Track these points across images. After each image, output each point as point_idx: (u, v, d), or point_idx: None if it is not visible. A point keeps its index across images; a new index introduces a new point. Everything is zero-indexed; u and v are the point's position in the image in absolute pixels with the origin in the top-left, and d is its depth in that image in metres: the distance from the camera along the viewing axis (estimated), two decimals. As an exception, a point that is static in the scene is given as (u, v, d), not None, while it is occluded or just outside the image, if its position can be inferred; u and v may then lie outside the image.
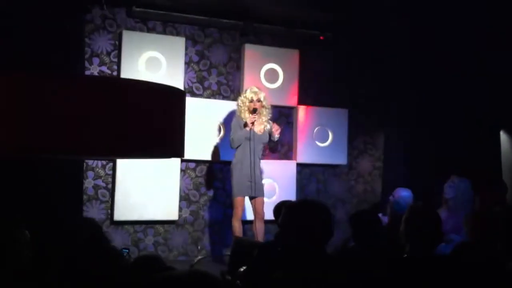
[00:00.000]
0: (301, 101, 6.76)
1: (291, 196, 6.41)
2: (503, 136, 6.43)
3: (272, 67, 6.60)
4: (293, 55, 6.71)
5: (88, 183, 5.90)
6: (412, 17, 6.23)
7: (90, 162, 5.88)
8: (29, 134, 2.66)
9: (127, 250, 4.45)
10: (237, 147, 5.55)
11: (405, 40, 6.58)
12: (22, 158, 4.29)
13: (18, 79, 2.74)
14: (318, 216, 2.46)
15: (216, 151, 6.29)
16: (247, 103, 5.60)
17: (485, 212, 3.91)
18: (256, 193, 5.51)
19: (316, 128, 6.81)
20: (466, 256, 2.78)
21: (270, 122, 5.71)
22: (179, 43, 6.21)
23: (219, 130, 6.33)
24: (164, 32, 6.26)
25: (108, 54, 6.02)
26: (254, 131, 5.53)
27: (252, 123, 5.50)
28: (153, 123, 2.80)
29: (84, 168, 5.84)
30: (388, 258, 2.96)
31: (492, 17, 5.58)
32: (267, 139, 5.69)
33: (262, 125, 5.64)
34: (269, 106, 5.73)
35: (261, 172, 5.73)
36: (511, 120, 6.26)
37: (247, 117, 5.56)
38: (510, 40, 5.56)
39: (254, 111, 5.55)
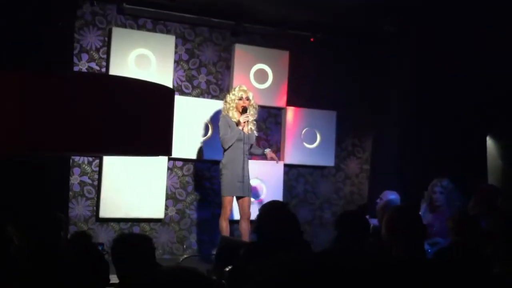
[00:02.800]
0: (290, 102, 6.77)
1: (279, 196, 6.41)
2: (489, 141, 6.49)
3: (262, 67, 6.60)
4: (283, 56, 6.72)
5: (74, 180, 5.86)
6: (403, 20, 6.26)
7: (76, 158, 5.85)
8: (20, 133, 2.65)
9: (102, 246, 4.40)
10: (228, 147, 5.54)
11: (396, 43, 6.62)
12: (9, 156, 4.25)
13: (10, 78, 2.72)
14: None
15: (203, 150, 6.27)
16: (236, 101, 5.60)
17: (467, 214, 3.95)
18: (245, 193, 5.51)
19: (305, 130, 6.83)
20: (450, 259, 2.78)
21: (255, 122, 5.72)
22: (169, 41, 6.19)
23: (207, 129, 6.32)
24: (154, 29, 6.24)
25: (97, 50, 5.98)
26: (243, 131, 5.54)
27: (245, 123, 5.51)
28: (141, 121, 2.79)
29: (71, 164, 5.80)
30: (374, 259, 2.97)
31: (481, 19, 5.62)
32: (254, 139, 5.71)
33: (249, 125, 5.64)
34: (257, 106, 5.75)
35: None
36: (497, 126, 6.32)
37: (236, 116, 5.57)
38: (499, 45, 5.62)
39: (244, 110, 5.55)
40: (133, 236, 3.23)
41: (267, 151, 5.86)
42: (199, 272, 1.88)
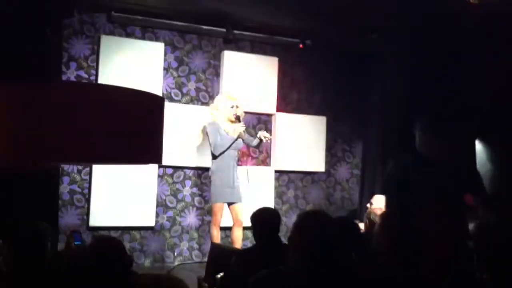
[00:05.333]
0: (279, 108, 6.79)
1: (269, 202, 6.42)
2: (478, 145, 6.53)
3: (251, 74, 6.61)
4: (272, 63, 6.73)
5: (64, 188, 5.83)
6: (392, 28, 6.31)
7: (66, 167, 5.82)
8: (6, 144, 2.63)
9: (79, 234, 4.35)
10: (219, 154, 5.54)
11: (384, 48, 6.67)
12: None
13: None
14: None
15: (193, 157, 6.26)
16: (228, 109, 5.60)
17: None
18: (235, 199, 5.52)
19: (295, 135, 6.84)
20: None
21: (244, 126, 5.71)
22: (158, 48, 6.19)
23: (197, 136, 6.31)
24: (143, 37, 6.24)
25: (86, 58, 5.97)
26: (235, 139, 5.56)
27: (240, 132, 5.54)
28: (131, 130, 2.78)
29: (60, 173, 5.77)
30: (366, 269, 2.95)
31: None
32: (241, 144, 5.71)
33: (238, 130, 5.64)
34: (243, 112, 5.76)
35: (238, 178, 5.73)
36: (486, 129, 6.36)
37: (226, 124, 5.57)
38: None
39: (238, 119, 5.58)
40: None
41: (259, 134, 5.77)
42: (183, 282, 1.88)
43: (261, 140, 5.75)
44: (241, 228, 5.55)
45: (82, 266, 2.64)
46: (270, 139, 5.92)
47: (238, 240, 5.52)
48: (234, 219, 5.55)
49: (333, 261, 2.82)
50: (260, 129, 6.68)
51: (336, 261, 2.90)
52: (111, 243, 2.75)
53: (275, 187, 6.74)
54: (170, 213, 6.29)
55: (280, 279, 2.33)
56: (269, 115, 6.81)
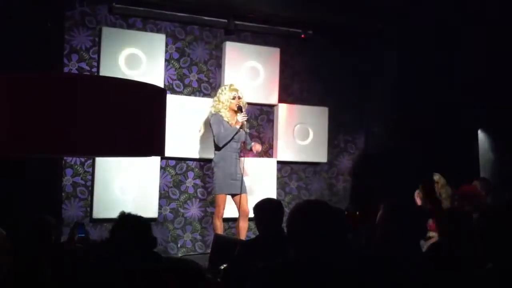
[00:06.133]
0: (281, 99, 6.77)
1: (272, 194, 6.42)
2: (480, 135, 6.52)
3: (253, 65, 6.58)
4: (274, 53, 6.71)
5: (67, 181, 5.83)
6: (394, 18, 6.28)
7: (68, 159, 5.82)
8: (11, 134, 2.63)
9: (83, 226, 4.38)
10: (223, 146, 5.53)
11: (386, 40, 6.64)
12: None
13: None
14: None
15: (195, 148, 6.26)
16: (230, 100, 5.59)
17: (456, 211, 3.90)
18: (239, 191, 5.52)
19: (297, 126, 6.82)
20: (440, 256, 2.76)
21: (246, 116, 5.71)
22: (159, 40, 6.17)
23: (199, 127, 6.30)
24: (144, 29, 6.22)
25: (88, 50, 5.95)
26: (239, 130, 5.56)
27: (243, 122, 5.54)
28: (133, 122, 2.78)
29: (63, 165, 5.77)
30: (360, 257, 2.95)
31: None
32: (244, 136, 5.72)
33: (241, 120, 5.64)
34: (245, 103, 5.77)
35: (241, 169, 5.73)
36: (488, 120, 6.35)
37: (229, 115, 5.57)
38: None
39: (240, 108, 5.57)
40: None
41: (253, 145, 5.81)
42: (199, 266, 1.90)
43: (252, 149, 5.80)
44: (247, 219, 5.55)
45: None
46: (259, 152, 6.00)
47: (243, 231, 5.53)
48: (240, 210, 5.55)
49: (331, 249, 2.82)
50: (262, 120, 6.69)
51: (334, 249, 2.91)
52: (140, 220, 2.78)
53: (278, 178, 6.73)
54: (173, 204, 6.29)
55: (280, 272, 2.32)
56: (271, 106, 6.79)
